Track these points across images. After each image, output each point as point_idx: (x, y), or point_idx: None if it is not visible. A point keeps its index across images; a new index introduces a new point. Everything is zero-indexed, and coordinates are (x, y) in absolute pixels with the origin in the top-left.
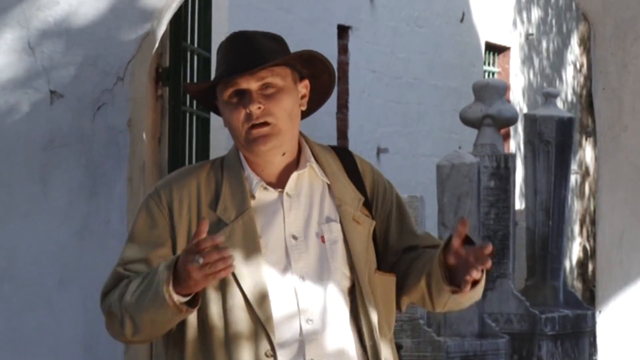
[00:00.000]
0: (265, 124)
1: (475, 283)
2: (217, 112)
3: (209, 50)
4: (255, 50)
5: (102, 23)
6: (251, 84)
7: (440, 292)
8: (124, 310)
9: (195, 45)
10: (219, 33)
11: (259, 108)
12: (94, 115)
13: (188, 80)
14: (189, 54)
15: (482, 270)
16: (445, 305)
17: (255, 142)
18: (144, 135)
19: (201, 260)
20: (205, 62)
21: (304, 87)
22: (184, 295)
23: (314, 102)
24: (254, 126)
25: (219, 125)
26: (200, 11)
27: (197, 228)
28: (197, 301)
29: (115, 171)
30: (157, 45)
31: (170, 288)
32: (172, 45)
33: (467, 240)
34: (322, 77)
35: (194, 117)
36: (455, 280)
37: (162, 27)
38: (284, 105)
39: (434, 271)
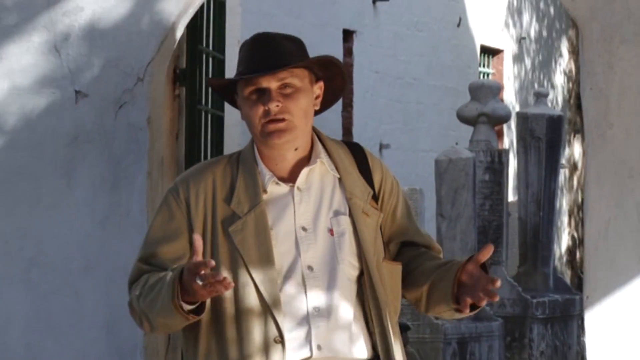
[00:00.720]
0: (282, 120)
1: (474, 306)
2: (232, 104)
3: (222, 52)
4: (277, 51)
5: (124, 28)
6: (272, 84)
7: (439, 304)
8: (141, 311)
9: (210, 48)
10: (232, 37)
11: (277, 106)
12: (116, 113)
13: (203, 81)
14: (204, 56)
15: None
16: (438, 313)
17: (271, 135)
18: (163, 132)
19: (201, 282)
20: (219, 64)
21: (318, 88)
22: (192, 303)
23: (326, 102)
24: (271, 121)
25: (232, 123)
26: (214, 16)
27: (194, 244)
28: (203, 308)
29: (135, 166)
30: (174, 48)
31: (177, 300)
32: (188, 48)
33: (482, 265)
34: (336, 80)
35: (209, 115)
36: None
37: (179, 32)
38: (300, 104)
39: (442, 284)
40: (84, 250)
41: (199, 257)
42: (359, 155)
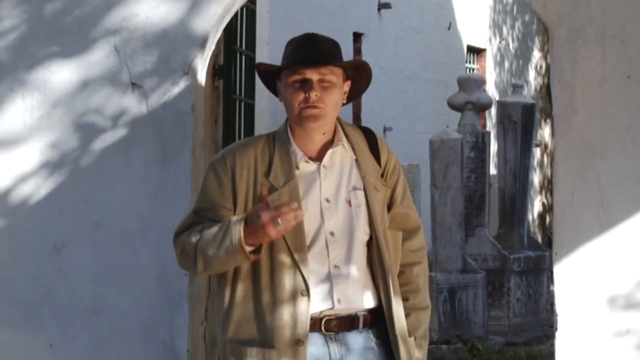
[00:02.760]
0: (318, 107)
1: None
2: (270, 87)
3: (253, 51)
4: (321, 50)
5: (172, 30)
6: (314, 76)
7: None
8: (199, 252)
9: (243, 47)
10: (261, 39)
11: (317, 95)
12: (165, 102)
13: (237, 75)
14: (238, 54)
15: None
16: None
17: (307, 119)
18: (204, 118)
19: (280, 222)
20: (250, 61)
21: (347, 86)
22: (251, 245)
23: (350, 98)
24: (308, 107)
25: (261, 110)
26: (247, 21)
27: (259, 194)
28: (260, 250)
29: (181, 146)
30: (213, 47)
31: (243, 242)
32: (225, 47)
33: None
34: (361, 82)
35: (242, 103)
36: None
37: (218, 34)
38: (333, 97)
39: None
40: (139, 215)
41: (266, 205)
42: (371, 139)
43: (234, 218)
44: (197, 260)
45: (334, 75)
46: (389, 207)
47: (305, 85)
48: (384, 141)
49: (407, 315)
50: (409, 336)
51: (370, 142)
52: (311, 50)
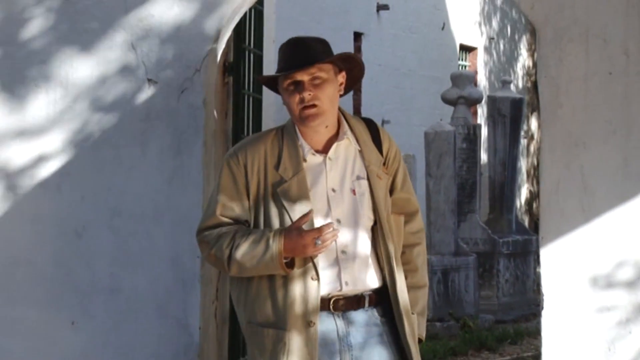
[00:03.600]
0: (314, 105)
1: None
2: (276, 91)
3: (261, 50)
4: (307, 51)
5: (185, 30)
6: (304, 77)
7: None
8: (233, 260)
9: (252, 46)
10: (269, 38)
11: (310, 94)
12: (179, 96)
13: (246, 72)
14: (247, 52)
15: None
16: None
17: (307, 119)
18: (215, 111)
19: (320, 242)
20: (258, 59)
21: (342, 77)
22: (286, 258)
23: (348, 87)
24: (305, 107)
25: (268, 104)
26: (255, 22)
27: (303, 216)
28: (294, 263)
29: (194, 137)
30: (224, 46)
31: (281, 258)
32: (234, 46)
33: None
34: (355, 70)
35: (250, 98)
36: None
37: (228, 33)
38: (327, 92)
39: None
40: (154, 202)
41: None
42: (373, 129)
43: (272, 233)
44: (231, 266)
45: (323, 72)
46: (391, 192)
47: (298, 87)
48: (385, 131)
49: None
50: (412, 314)
51: (372, 132)
52: (297, 54)
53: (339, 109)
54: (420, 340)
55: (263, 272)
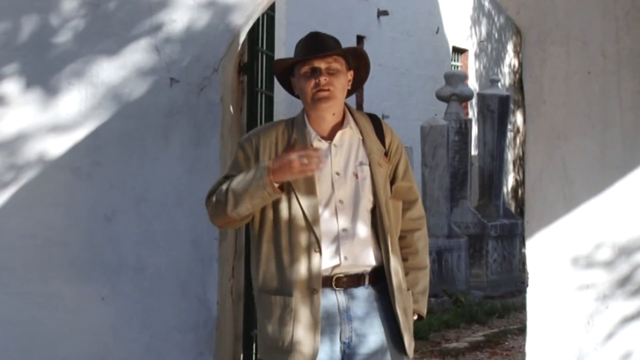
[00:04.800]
0: (328, 90)
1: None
2: (284, 85)
3: (272, 51)
4: (325, 43)
5: (204, 33)
6: (322, 64)
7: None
8: (229, 193)
9: (264, 48)
10: (279, 40)
11: (325, 80)
12: (198, 94)
13: (259, 71)
14: (259, 54)
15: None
16: None
17: (320, 100)
18: (231, 107)
19: (305, 160)
20: (270, 59)
21: (350, 75)
22: (275, 182)
23: (353, 88)
24: (320, 90)
25: (279, 101)
26: (267, 26)
27: (289, 145)
28: (284, 188)
29: (212, 131)
30: (239, 48)
31: (270, 173)
32: (249, 48)
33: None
34: (361, 71)
35: (263, 95)
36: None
37: (243, 36)
38: (340, 81)
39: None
40: (176, 189)
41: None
42: (376, 123)
43: (261, 162)
44: (228, 201)
45: (338, 63)
46: (393, 180)
47: (315, 73)
48: (388, 125)
49: (407, 274)
50: (408, 290)
51: (376, 126)
52: (317, 44)
53: (345, 103)
54: (421, 317)
55: (254, 197)
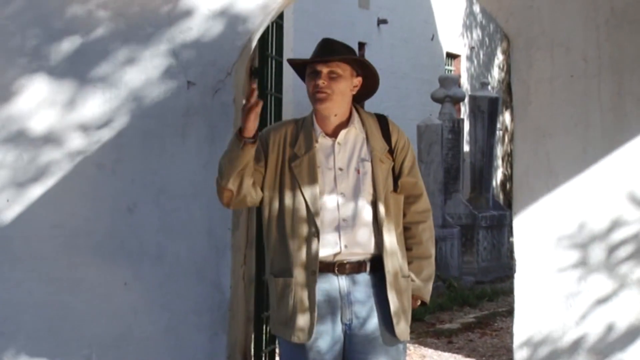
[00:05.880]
0: (325, 92)
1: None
2: (301, 77)
3: (281, 56)
4: (331, 50)
5: (218, 40)
6: (323, 68)
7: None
8: (219, 167)
9: (274, 53)
10: (288, 47)
11: (324, 83)
12: (213, 96)
13: (269, 75)
14: (269, 59)
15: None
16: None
17: (317, 101)
18: None
19: (245, 103)
20: (279, 64)
21: (357, 81)
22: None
23: (364, 95)
24: (317, 91)
25: (287, 102)
26: (276, 33)
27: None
28: (255, 139)
29: (225, 130)
30: (251, 53)
31: (240, 134)
32: (259, 53)
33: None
34: (370, 79)
35: (273, 97)
36: None
37: (254, 42)
38: (339, 86)
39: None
40: (193, 183)
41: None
42: (383, 123)
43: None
44: (221, 175)
45: (340, 69)
46: (399, 176)
47: (316, 75)
48: (395, 125)
49: (410, 263)
50: (407, 277)
51: (382, 125)
52: (324, 50)
53: (355, 105)
54: (424, 303)
55: (232, 157)
